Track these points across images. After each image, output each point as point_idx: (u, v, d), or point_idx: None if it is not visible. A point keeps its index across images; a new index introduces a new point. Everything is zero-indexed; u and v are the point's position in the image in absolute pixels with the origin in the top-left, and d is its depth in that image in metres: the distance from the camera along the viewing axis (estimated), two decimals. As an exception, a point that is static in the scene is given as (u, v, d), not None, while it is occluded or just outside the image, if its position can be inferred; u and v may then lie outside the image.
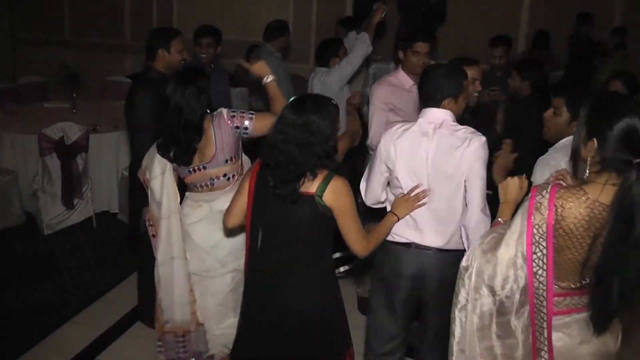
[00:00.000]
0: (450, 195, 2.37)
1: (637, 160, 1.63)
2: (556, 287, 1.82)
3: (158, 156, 2.65)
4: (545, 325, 1.82)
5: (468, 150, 2.32)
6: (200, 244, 2.70)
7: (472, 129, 2.40)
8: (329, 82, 3.81)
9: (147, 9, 7.96)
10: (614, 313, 1.78)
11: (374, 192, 2.53)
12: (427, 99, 2.43)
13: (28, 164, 4.78)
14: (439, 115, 2.39)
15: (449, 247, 2.41)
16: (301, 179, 2.09)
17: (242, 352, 2.37)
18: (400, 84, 3.35)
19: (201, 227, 2.70)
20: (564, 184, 1.84)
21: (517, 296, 1.83)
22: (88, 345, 3.28)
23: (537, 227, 1.76)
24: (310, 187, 2.10)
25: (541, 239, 1.76)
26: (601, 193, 1.70)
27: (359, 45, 3.75)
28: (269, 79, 2.75)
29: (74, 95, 5.56)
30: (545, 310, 1.81)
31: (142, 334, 3.40)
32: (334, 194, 2.11)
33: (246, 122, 2.60)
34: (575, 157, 1.81)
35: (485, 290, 1.86)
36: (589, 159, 1.74)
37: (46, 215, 4.59)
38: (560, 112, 2.44)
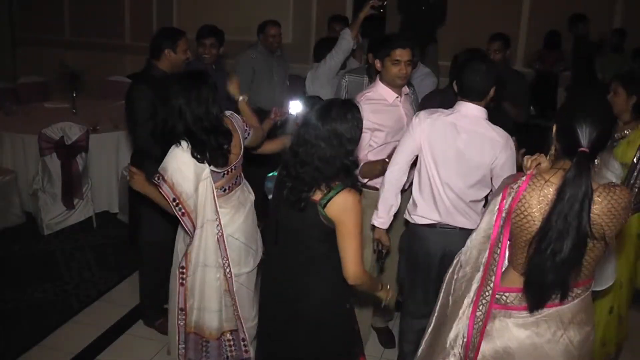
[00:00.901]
0: (477, 185, 2.52)
1: (582, 149, 1.76)
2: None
3: (192, 164, 2.48)
4: (488, 298, 1.94)
5: (499, 146, 2.48)
6: (247, 242, 2.71)
7: (500, 131, 2.55)
8: (317, 75, 3.91)
9: (147, 9, 7.97)
10: (546, 294, 1.84)
11: (399, 165, 2.62)
12: (468, 92, 2.51)
13: (28, 164, 4.78)
14: (474, 112, 2.51)
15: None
16: (313, 189, 2.04)
17: (261, 347, 2.42)
18: (381, 98, 2.94)
19: (245, 225, 2.71)
20: (543, 165, 1.95)
21: (472, 268, 1.98)
22: (88, 345, 3.28)
23: (505, 211, 1.89)
24: (317, 194, 2.04)
25: (505, 223, 1.90)
26: (554, 175, 1.83)
27: (340, 40, 3.79)
28: (239, 99, 2.94)
29: (74, 95, 5.56)
30: (492, 285, 1.93)
31: (142, 334, 3.40)
32: (338, 207, 2.02)
33: (249, 130, 2.77)
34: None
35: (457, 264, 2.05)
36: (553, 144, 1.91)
37: (46, 215, 4.59)
38: None
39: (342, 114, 2.03)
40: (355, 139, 2.06)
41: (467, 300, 1.98)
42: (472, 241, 2.01)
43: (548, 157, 1.92)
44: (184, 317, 2.68)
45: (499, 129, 2.52)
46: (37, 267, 4.13)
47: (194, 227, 2.56)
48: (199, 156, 2.48)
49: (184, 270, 2.62)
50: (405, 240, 2.78)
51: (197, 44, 4.02)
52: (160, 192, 2.49)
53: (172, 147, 2.50)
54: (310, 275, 2.17)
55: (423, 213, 2.61)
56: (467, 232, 2.44)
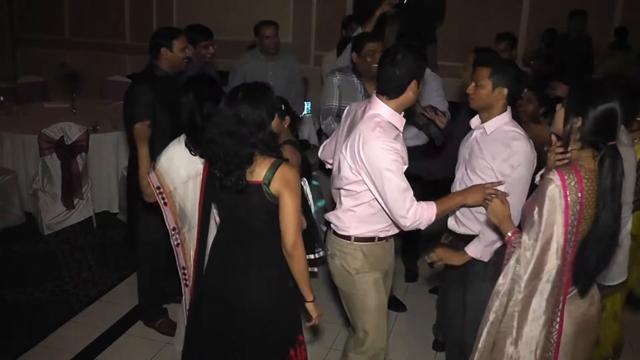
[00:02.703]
0: None
1: (611, 143, 1.85)
2: None
3: (184, 158, 2.49)
4: (561, 298, 1.96)
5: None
6: None
7: None
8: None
9: (147, 9, 7.97)
10: (593, 277, 1.99)
11: None
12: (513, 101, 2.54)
13: (28, 164, 4.78)
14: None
15: None
16: (244, 167, 2.11)
17: (193, 345, 2.40)
18: (394, 127, 2.36)
19: None
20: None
21: (551, 276, 1.94)
22: (88, 345, 3.28)
23: (571, 209, 1.87)
24: (258, 175, 2.12)
25: (574, 219, 1.88)
26: (594, 162, 1.89)
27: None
28: None
29: (74, 95, 5.57)
30: (564, 287, 1.95)
31: (142, 334, 3.41)
32: (280, 181, 2.11)
33: None
34: (567, 135, 1.96)
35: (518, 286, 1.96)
36: (572, 136, 1.92)
37: (46, 215, 4.60)
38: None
39: (247, 94, 2.13)
40: (266, 114, 2.13)
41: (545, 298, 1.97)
42: (538, 241, 1.92)
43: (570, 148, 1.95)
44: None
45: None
46: (37, 267, 4.13)
47: (176, 223, 2.56)
48: (192, 148, 2.49)
49: (185, 271, 2.60)
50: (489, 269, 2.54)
51: (198, 46, 3.98)
52: (148, 179, 2.55)
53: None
54: (254, 261, 2.21)
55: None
56: None
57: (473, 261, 2.53)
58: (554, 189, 1.85)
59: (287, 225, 2.13)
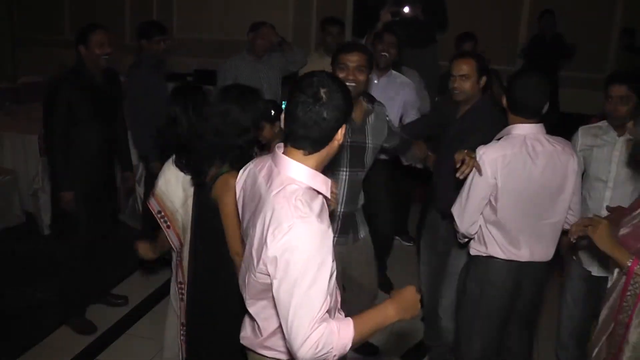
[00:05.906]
0: (557, 210, 2.38)
1: None
2: None
3: (180, 178, 2.45)
4: None
5: (571, 163, 2.36)
6: None
7: (562, 139, 2.41)
8: None
9: (147, 9, 7.97)
10: None
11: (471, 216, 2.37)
12: (528, 111, 2.33)
13: (28, 164, 4.78)
14: (532, 130, 2.34)
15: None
16: (212, 164, 2.12)
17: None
18: (320, 195, 1.80)
19: None
20: None
21: None
22: (88, 345, 3.28)
23: None
24: (211, 176, 2.13)
25: None
26: None
27: None
28: None
29: (74, 95, 5.55)
30: None
31: (142, 334, 3.41)
32: (220, 187, 2.08)
33: None
34: None
35: None
36: None
37: (46, 215, 4.59)
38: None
39: (239, 95, 2.15)
40: (252, 120, 2.14)
41: None
42: None
43: None
44: (185, 332, 2.60)
45: (557, 138, 2.39)
46: (37, 267, 4.13)
47: (180, 243, 2.52)
48: (181, 166, 2.44)
49: (182, 286, 2.56)
50: (481, 278, 2.49)
51: (151, 41, 3.93)
52: (148, 206, 2.54)
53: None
54: (218, 257, 2.19)
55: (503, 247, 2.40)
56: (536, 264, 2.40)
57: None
58: None
59: (227, 232, 2.09)
